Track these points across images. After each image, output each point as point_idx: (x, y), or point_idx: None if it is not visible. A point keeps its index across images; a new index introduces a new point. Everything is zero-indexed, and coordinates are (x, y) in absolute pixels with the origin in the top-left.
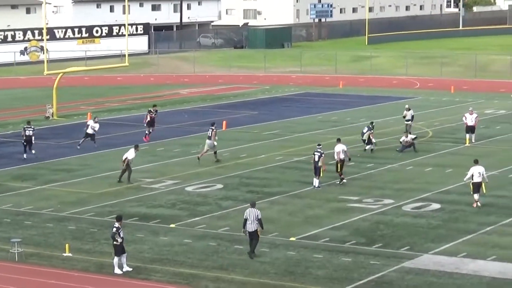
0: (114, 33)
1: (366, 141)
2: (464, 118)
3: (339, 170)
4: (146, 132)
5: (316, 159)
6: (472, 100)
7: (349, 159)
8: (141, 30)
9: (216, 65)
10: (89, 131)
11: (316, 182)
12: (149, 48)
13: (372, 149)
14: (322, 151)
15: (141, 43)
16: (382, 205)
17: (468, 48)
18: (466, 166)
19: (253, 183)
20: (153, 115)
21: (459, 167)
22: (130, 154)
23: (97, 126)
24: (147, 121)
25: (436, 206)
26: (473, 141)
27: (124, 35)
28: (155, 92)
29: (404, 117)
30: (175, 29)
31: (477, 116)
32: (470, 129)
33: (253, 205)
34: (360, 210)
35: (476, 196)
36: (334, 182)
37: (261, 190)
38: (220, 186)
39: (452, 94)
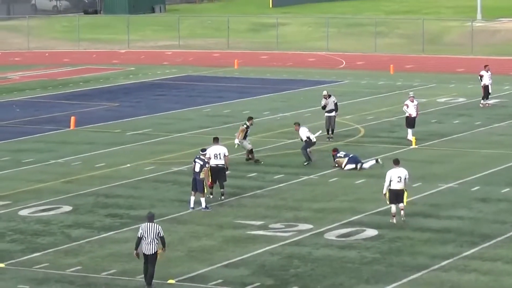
0: None
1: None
2: (405, 108)
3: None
4: None
5: (197, 169)
6: (419, 85)
7: (226, 168)
8: None
9: (60, 38)
10: None
11: (201, 201)
12: None
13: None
14: (206, 159)
15: None
16: (296, 232)
17: (411, 11)
18: (413, 176)
19: (115, 203)
20: None
21: None
22: None
23: None
24: None
25: (371, 232)
26: (410, 138)
27: None
28: None
29: (324, 107)
30: None
31: (417, 104)
32: (412, 123)
33: (150, 219)
34: (265, 240)
35: (393, 208)
36: (228, 200)
37: (126, 213)
38: (68, 208)
39: (391, 76)
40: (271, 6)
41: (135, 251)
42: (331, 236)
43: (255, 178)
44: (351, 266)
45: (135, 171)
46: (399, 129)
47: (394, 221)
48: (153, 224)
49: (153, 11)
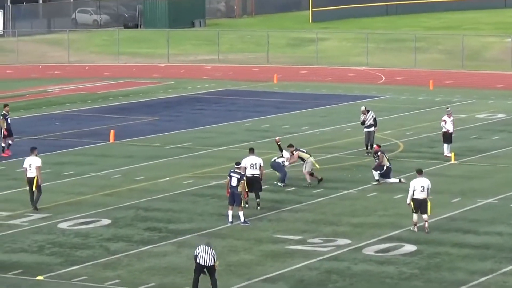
0: None
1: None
2: (443, 123)
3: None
4: (3, 144)
5: (234, 183)
6: (458, 100)
7: (261, 178)
8: None
9: (100, 51)
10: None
11: (239, 215)
12: (4, 28)
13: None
14: (242, 172)
15: None
16: (334, 247)
17: (450, 27)
18: (452, 192)
19: (154, 217)
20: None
21: (442, 194)
22: (36, 161)
23: None
24: (3, 129)
25: (410, 248)
26: (447, 154)
27: None
28: (14, 90)
29: (363, 122)
30: (41, 1)
31: (453, 120)
32: (450, 138)
33: (208, 245)
34: (304, 255)
35: (415, 217)
36: (266, 214)
37: (164, 227)
38: (107, 221)
39: (430, 92)
40: (310, 21)
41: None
42: (369, 251)
43: (294, 192)
44: (390, 282)
45: (174, 185)
46: (438, 144)
47: (416, 229)
48: (209, 248)
49: (193, 25)
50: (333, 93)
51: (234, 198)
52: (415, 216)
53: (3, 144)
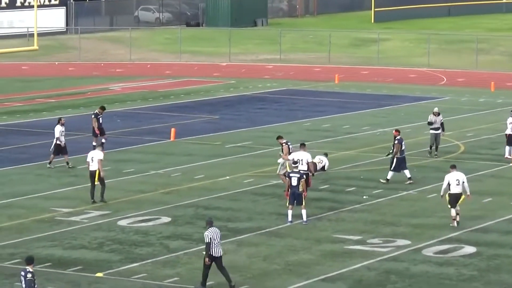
0: (18, 4)
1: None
2: (508, 124)
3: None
4: (94, 143)
5: (295, 183)
6: None
7: (312, 175)
8: (56, 0)
9: (161, 50)
10: (62, 140)
11: (302, 214)
12: (67, 25)
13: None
14: (302, 171)
15: (56, 18)
16: (394, 247)
17: None
18: None
19: (213, 215)
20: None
21: (502, 195)
22: (99, 154)
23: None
24: (98, 128)
25: (469, 249)
26: (507, 155)
27: (32, 7)
28: (76, 87)
29: (430, 123)
30: None
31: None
32: (509, 139)
33: (211, 224)
34: (363, 255)
35: (453, 212)
36: (326, 214)
37: (224, 225)
38: (166, 219)
39: (492, 94)
40: (372, 21)
41: (206, 258)
42: (429, 252)
43: (354, 192)
44: (449, 283)
45: (234, 183)
46: (499, 146)
47: (455, 224)
48: (215, 228)
49: (255, 24)
50: (394, 93)
51: (295, 198)
52: (453, 211)
53: (94, 143)
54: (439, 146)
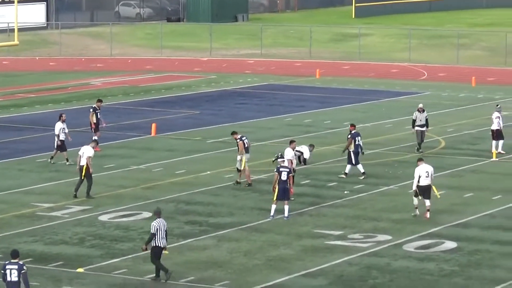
0: None
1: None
2: (494, 119)
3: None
4: (95, 137)
5: (284, 177)
6: (501, 98)
7: (294, 171)
8: None
9: (142, 45)
10: (62, 137)
11: (285, 210)
12: (47, 20)
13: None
14: (290, 167)
15: (36, 14)
16: (375, 242)
17: (494, 24)
18: (493, 189)
19: (194, 210)
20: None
21: (483, 191)
22: (89, 151)
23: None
24: (94, 123)
25: (450, 244)
26: (501, 151)
27: (13, 2)
28: (56, 82)
29: (414, 121)
30: None
31: (500, 117)
32: (497, 135)
33: (159, 214)
34: (344, 250)
35: (415, 201)
36: (307, 209)
37: (205, 220)
38: (147, 214)
39: (472, 88)
40: (353, 16)
41: (145, 246)
42: (409, 247)
43: (335, 187)
44: (430, 278)
45: (215, 179)
46: (480, 141)
47: (418, 212)
48: (161, 219)
49: (236, 19)
50: (375, 88)
51: (284, 192)
52: (415, 199)
53: (95, 137)
54: (423, 142)
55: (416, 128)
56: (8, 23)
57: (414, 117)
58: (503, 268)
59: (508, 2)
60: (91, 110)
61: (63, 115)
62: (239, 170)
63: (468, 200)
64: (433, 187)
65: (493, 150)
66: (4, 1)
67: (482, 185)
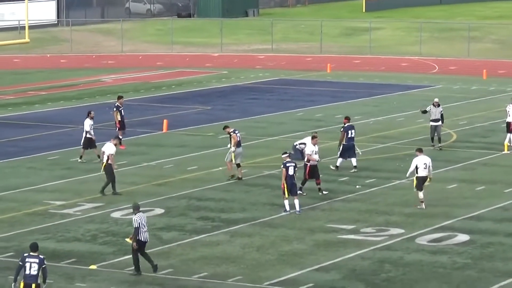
0: None
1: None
2: (509, 111)
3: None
4: (120, 136)
5: (291, 172)
6: None
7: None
8: None
9: (153, 41)
10: (92, 134)
11: (296, 204)
12: (58, 17)
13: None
14: (294, 162)
15: (47, 11)
16: (387, 236)
17: (504, 17)
18: (505, 182)
19: (207, 206)
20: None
21: (495, 184)
22: (110, 148)
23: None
24: (119, 121)
25: (463, 237)
26: (509, 143)
27: (23, 0)
28: (68, 79)
29: (424, 111)
30: None
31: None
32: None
33: (138, 209)
34: (356, 244)
35: (421, 194)
36: (319, 204)
37: (217, 216)
38: (160, 211)
39: (484, 81)
40: (364, 10)
41: (134, 243)
42: (422, 241)
43: (347, 182)
44: (443, 271)
45: (227, 174)
46: (492, 134)
47: (423, 206)
48: (142, 214)
49: (246, 15)
50: (386, 82)
51: (292, 188)
52: (420, 193)
53: (120, 136)
54: (441, 138)
55: (431, 123)
56: (19, 20)
57: (428, 109)
58: None
59: None
60: (114, 108)
61: (92, 112)
62: (239, 165)
63: (480, 193)
64: (428, 178)
65: (506, 142)
66: None
67: (494, 178)
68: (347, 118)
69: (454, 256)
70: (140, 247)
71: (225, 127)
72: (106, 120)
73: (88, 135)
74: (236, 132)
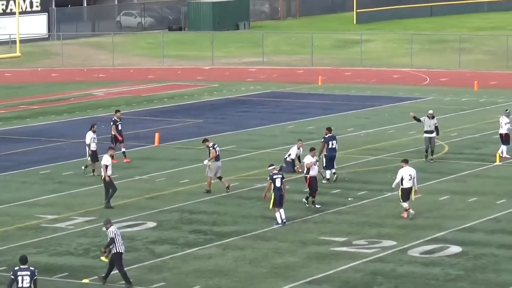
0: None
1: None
2: (501, 122)
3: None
4: (123, 149)
5: (278, 184)
6: (503, 101)
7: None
8: (37, 6)
9: (144, 54)
10: (94, 147)
11: (281, 216)
12: (49, 31)
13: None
14: (281, 174)
15: (38, 24)
16: (379, 248)
17: (496, 28)
18: (496, 193)
19: (199, 219)
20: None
21: (487, 195)
22: (104, 159)
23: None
24: (117, 135)
25: (455, 249)
26: (505, 155)
27: (14, 13)
28: (59, 93)
29: (418, 120)
30: (85, 4)
31: (510, 122)
32: (505, 139)
33: (110, 223)
34: (349, 256)
35: (405, 205)
36: (311, 216)
37: (209, 229)
38: (152, 224)
39: (475, 93)
40: (355, 22)
41: (105, 250)
42: (415, 252)
43: (339, 194)
44: (435, 283)
45: (219, 188)
46: (483, 145)
47: (410, 216)
48: (115, 226)
49: (237, 27)
50: (378, 94)
51: (280, 200)
52: (405, 204)
53: (123, 149)
54: (434, 150)
55: (425, 134)
56: (9, 34)
57: (422, 120)
58: (508, 272)
59: (509, 6)
60: (112, 123)
61: (95, 126)
62: (220, 178)
63: (472, 204)
64: (413, 190)
65: (498, 152)
66: (6, 12)
67: (485, 190)
68: (329, 129)
69: (447, 268)
70: (117, 259)
71: (205, 140)
72: (97, 134)
73: (92, 148)
74: (215, 146)
